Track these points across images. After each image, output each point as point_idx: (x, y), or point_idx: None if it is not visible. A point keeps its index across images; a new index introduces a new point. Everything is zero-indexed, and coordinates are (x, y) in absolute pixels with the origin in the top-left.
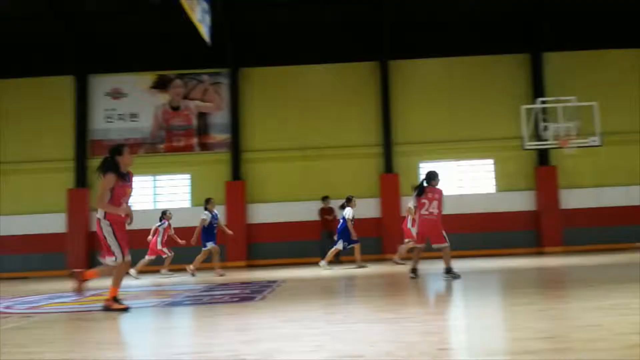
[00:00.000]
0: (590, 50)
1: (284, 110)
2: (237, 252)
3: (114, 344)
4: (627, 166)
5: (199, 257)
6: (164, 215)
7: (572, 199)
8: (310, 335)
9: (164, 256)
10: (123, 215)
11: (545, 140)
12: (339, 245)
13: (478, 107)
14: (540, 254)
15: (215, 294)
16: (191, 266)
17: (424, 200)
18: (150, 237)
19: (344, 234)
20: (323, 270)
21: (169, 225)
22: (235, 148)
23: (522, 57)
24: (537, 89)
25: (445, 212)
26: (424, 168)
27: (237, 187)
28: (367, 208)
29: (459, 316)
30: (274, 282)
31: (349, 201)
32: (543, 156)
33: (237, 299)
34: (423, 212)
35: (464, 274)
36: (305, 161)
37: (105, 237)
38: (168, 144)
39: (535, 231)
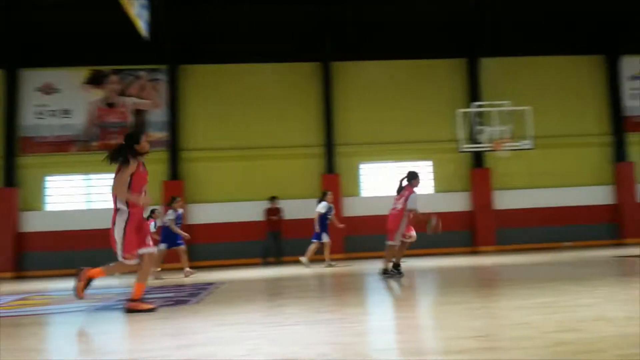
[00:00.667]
0: (524, 57)
1: (225, 109)
2: (174, 253)
3: (39, 350)
4: (557, 169)
5: (184, 257)
6: (152, 214)
7: (505, 200)
8: (245, 338)
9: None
10: (142, 205)
11: (480, 143)
12: (325, 239)
13: (418, 110)
14: (474, 253)
15: (149, 297)
16: (187, 269)
17: (397, 197)
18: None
19: (323, 228)
20: (327, 268)
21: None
22: (173, 147)
23: (459, 62)
24: (474, 93)
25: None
26: (365, 169)
27: (175, 187)
28: (309, 208)
29: (395, 316)
30: (212, 284)
31: (324, 195)
32: (478, 158)
33: (172, 302)
34: (392, 207)
35: (404, 274)
36: (247, 161)
37: (114, 233)
38: (102, 142)
39: (470, 231)
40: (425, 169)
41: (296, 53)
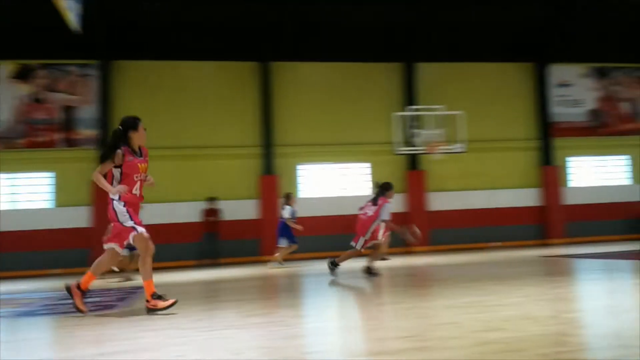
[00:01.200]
0: (457, 63)
1: (160, 107)
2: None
3: None
4: (488, 172)
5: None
6: None
7: (439, 201)
8: (172, 345)
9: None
10: (117, 195)
11: (416, 146)
12: (283, 244)
13: (356, 112)
14: (408, 253)
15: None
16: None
17: (370, 204)
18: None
19: (285, 232)
20: (270, 270)
21: None
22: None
23: (396, 66)
24: (409, 97)
25: (328, 214)
26: (302, 170)
27: None
28: (246, 209)
29: (326, 318)
30: (142, 287)
31: (288, 199)
32: (413, 161)
33: (97, 308)
34: (362, 212)
35: (339, 275)
36: (183, 161)
37: (118, 218)
38: (28, 139)
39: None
40: (363, 171)
41: (235, 52)
